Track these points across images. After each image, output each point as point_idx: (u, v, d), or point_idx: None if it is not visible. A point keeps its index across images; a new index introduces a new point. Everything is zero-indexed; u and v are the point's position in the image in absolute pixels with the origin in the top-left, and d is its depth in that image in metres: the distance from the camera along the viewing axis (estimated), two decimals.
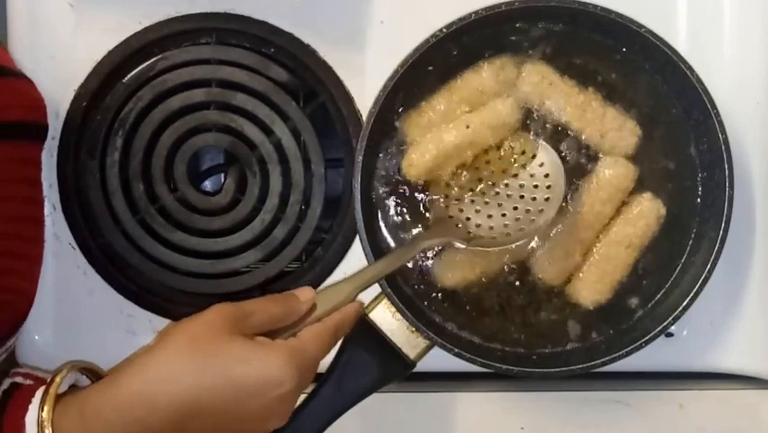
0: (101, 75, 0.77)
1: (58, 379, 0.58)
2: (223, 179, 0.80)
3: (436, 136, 0.73)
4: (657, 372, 0.78)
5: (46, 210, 0.77)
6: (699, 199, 0.75)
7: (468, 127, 0.72)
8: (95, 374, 0.63)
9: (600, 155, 0.74)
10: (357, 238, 0.76)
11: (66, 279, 0.77)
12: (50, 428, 0.56)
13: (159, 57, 0.77)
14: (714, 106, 0.71)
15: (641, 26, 0.72)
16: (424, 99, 0.75)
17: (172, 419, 0.57)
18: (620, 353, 0.71)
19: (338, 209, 0.79)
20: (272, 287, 0.78)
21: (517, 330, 0.75)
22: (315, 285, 0.78)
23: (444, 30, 0.72)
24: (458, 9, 0.72)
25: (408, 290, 0.74)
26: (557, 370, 0.72)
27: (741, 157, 0.76)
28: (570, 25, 0.75)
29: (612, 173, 0.74)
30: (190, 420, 0.57)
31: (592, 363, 0.72)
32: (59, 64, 0.77)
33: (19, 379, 0.64)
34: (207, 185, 0.83)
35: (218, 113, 0.76)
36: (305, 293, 0.66)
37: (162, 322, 0.77)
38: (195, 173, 0.82)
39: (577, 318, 0.75)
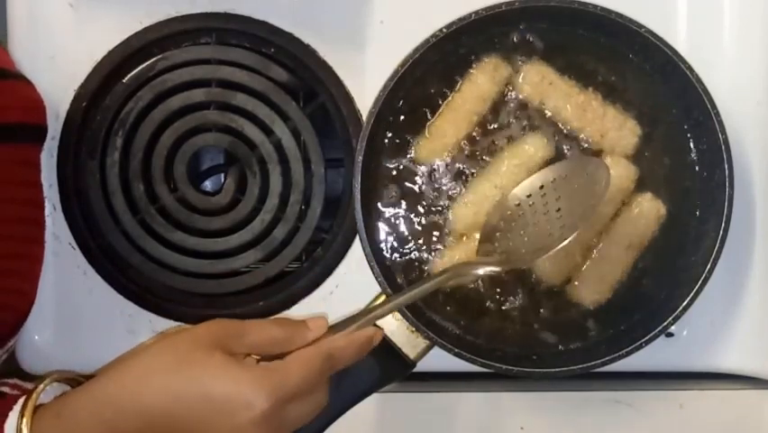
0: (101, 75, 0.77)
1: (39, 389, 0.59)
2: (223, 179, 0.80)
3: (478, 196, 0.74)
4: (657, 372, 0.78)
5: (46, 210, 0.77)
6: (698, 199, 0.75)
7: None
8: (80, 384, 0.62)
9: (600, 155, 0.74)
10: (357, 238, 0.76)
11: (66, 279, 0.77)
12: (29, 430, 0.56)
13: (159, 57, 0.77)
14: (714, 106, 0.71)
15: (641, 26, 0.72)
16: (430, 123, 0.75)
17: (137, 422, 0.56)
18: (620, 353, 0.71)
19: (338, 209, 0.79)
20: (272, 287, 0.78)
21: (517, 330, 0.75)
22: (315, 285, 0.78)
23: (444, 30, 0.72)
24: (458, 9, 0.72)
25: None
26: (557, 370, 0.72)
27: (741, 157, 0.75)
28: (570, 25, 0.75)
29: (612, 173, 0.74)
30: (158, 430, 0.56)
31: (592, 363, 0.72)
32: (59, 64, 0.77)
33: (6, 389, 0.64)
34: (207, 185, 0.83)
35: (218, 113, 0.76)
36: (316, 321, 0.62)
37: (162, 322, 0.77)
38: (195, 173, 0.82)
39: (577, 318, 0.75)
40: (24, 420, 0.56)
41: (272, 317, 0.63)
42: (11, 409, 0.57)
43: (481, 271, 0.67)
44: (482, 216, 0.72)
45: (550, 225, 0.66)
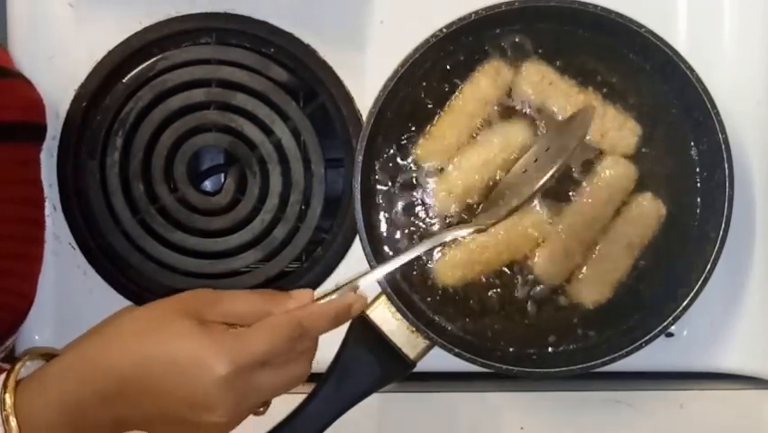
0: (101, 75, 0.77)
1: (19, 364, 0.60)
2: (223, 179, 0.80)
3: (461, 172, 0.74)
4: (657, 372, 0.78)
5: (46, 210, 0.77)
6: (699, 199, 0.75)
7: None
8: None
9: (600, 155, 0.74)
10: (357, 238, 0.76)
11: (66, 279, 0.77)
12: (12, 401, 0.57)
13: (159, 57, 0.77)
14: (714, 106, 0.71)
15: (641, 26, 0.72)
16: (430, 124, 0.75)
17: (112, 382, 0.57)
18: (620, 353, 0.71)
19: (338, 209, 0.79)
20: (272, 287, 0.78)
21: (517, 330, 0.75)
22: (315, 285, 0.78)
23: (444, 30, 0.72)
24: (458, 9, 0.72)
25: (408, 290, 0.74)
26: (557, 370, 0.72)
27: (741, 157, 0.76)
28: (570, 25, 0.75)
29: (612, 173, 0.74)
30: (131, 391, 0.57)
31: (592, 363, 0.72)
32: (59, 64, 0.77)
33: None
34: (207, 185, 0.83)
35: (218, 113, 0.76)
36: (301, 292, 0.63)
37: None
38: (195, 173, 0.82)
39: (577, 318, 0.75)
40: (7, 392, 0.57)
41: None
42: None
43: (458, 234, 0.67)
44: (458, 192, 0.74)
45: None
